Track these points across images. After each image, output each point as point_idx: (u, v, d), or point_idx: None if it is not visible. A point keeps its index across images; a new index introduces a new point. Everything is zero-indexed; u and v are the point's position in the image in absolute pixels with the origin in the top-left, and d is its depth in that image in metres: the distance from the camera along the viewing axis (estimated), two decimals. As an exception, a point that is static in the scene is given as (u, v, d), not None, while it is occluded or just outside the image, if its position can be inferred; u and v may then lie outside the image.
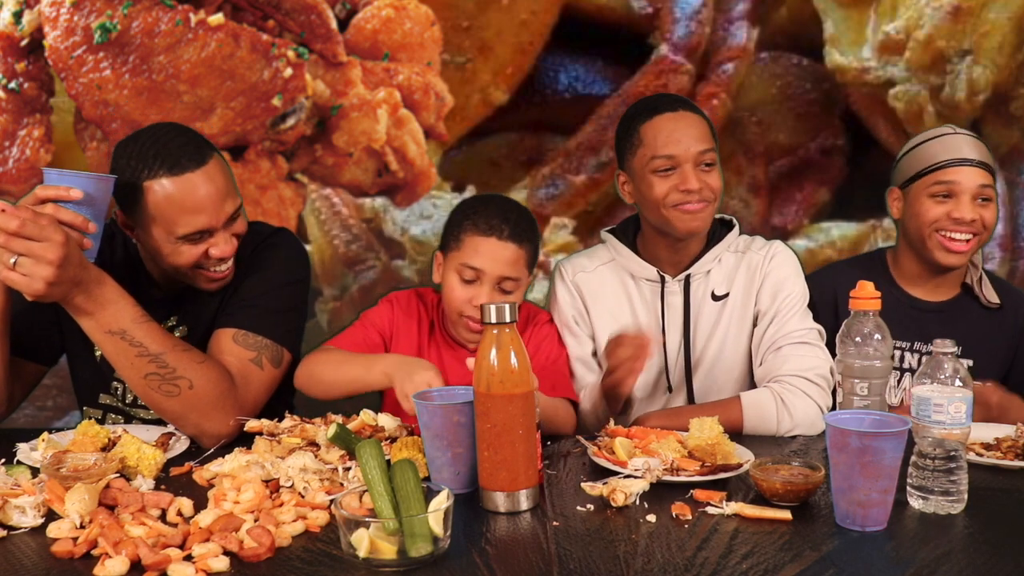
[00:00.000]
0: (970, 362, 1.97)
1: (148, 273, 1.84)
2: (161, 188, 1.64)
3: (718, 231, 1.93)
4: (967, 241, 1.92)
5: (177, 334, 1.82)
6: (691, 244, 1.88)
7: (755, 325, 1.88)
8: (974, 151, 1.94)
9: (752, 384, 1.87)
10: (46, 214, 1.47)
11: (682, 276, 1.89)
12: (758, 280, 1.88)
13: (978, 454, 1.51)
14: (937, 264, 1.96)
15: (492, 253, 1.78)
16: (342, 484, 1.41)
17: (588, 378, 1.88)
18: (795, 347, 1.80)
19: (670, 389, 1.91)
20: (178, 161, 1.64)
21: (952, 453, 1.29)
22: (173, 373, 1.57)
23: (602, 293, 1.93)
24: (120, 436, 1.52)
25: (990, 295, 2.00)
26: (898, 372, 1.99)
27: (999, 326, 2.01)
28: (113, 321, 1.55)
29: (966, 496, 1.29)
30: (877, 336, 1.42)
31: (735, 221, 1.96)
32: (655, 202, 1.82)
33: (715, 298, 1.90)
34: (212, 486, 1.40)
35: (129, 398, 1.87)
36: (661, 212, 1.82)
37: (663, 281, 1.89)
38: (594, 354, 1.92)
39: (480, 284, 1.78)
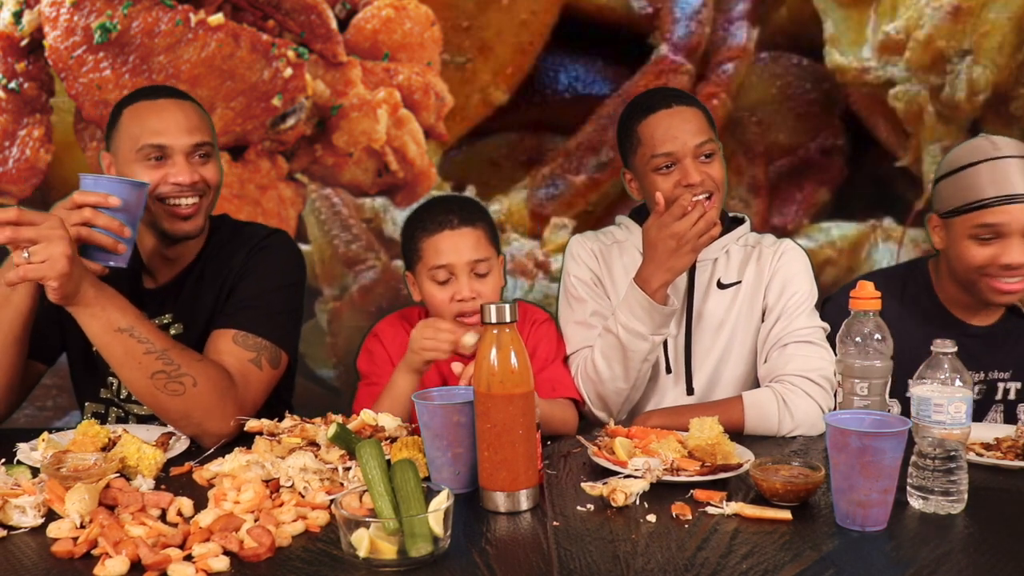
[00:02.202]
0: (1019, 384, 1.89)
1: (142, 263, 1.86)
2: (135, 108, 1.78)
3: (728, 224, 1.94)
4: (1019, 281, 1.75)
5: (172, 332, 1.83)
6: None
7: (762, 319, 1.89)
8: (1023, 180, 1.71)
9: (757, 382, 1.87)
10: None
11: None
12: (767, 275, 1.89)
13: (978, 454, 1.51)
14: (987, 302, 1.82)
15: (452, 245, 1.79)
16: (342, 484, 1.41)
17: (587, 334, 1.87)
18: (800, 346, 1.80)
19: (669, 370, 1.90)
20: (157, 92, 1.83)
21: (952, 453, 1.29)
22: (178, 370, 1.57)
23: (617, 268, 1.95)
24: (120, 436, 1.52)
25: None
26: None
27: None
28: (121, 317, 1.56)
29: (966, 496, 1.29)
30: (877, 336, 1.42)
31: (747, 218, 1.98)
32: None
33: (721, 286, 1.90)
34: (212, 486, 1.40)
35: (124, 394, 1.87)
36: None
37: None
38: (596, 312, 1.91)
39: (455, 279, 1.79)
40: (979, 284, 1.79)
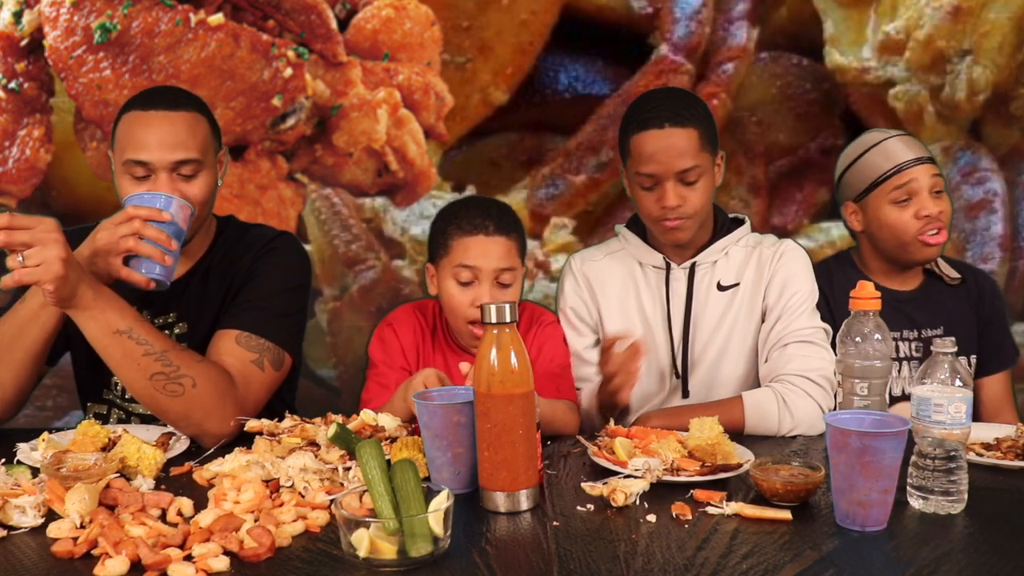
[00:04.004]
0: (951, 340, 2.00)
1: None
2: (128, 117, 1.74)
3: (728, 225, 1.95)
4: (939, 232, 2.00)
5: (177, 331, 1.83)
6: (696, 237, 1.90)
7: (763, 320, 1.89)
8: (916, 149, 2.02)
9: (756, 382, 1.88)
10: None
11: (687, 264, 1.91)
12: (767, 275, 1.90)
13: (978, 454, 1.52)
14: (915, 262, 2.06)
15: (483, 250, 1.78)
16: (342, 484, 1.41)
17: (581, 370, 1.92)
18: (800, 346, 1.80)
19: (677, 375, 1.92)
20: (152, 100, 1.76)
21: (952, 453, 1.29)
22: (177, 371, 1.57)
23: (609, 281, 1.96)
24: (120, 436, 1.52)
25: (950, 271, 2.11)
26: (896, 362, 2.03)
27: (966, 299, 2.12)
28: (120, 318, 1.56)
29: (966, 496, 1.29)
30: (877, 336, 1.42)
31: (747, 219, 1.99)
32: (641, 212, 1.90)
33: (721, 288, 1.91)
34: (212, 486, 1.40)
35: (127, 395, 1.87)
36: (648, 222, 1.90)
37: (668, 268, 1.91)
38: (596, 343, 1.94)
39: (479, 283, 1.79)
40: (910, 246, 2.02)
